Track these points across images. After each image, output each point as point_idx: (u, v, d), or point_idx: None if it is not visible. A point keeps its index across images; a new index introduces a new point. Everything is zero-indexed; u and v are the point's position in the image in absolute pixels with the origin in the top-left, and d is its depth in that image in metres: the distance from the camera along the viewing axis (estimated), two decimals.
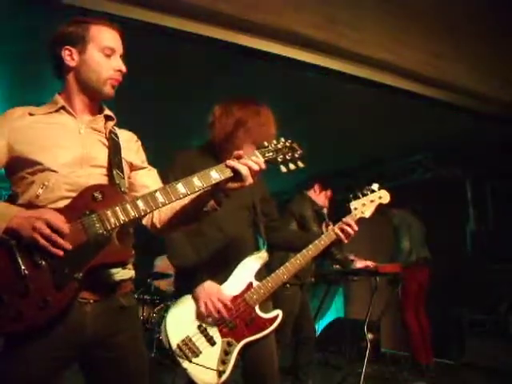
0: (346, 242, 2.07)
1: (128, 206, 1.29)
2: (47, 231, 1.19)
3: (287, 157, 1.46)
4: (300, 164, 1.48)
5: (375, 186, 2.13)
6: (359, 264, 3.78)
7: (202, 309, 1.83)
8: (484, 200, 5.43)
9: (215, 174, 1.35)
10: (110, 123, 1.50)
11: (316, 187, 3.85)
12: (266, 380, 1.96)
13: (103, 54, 1.40)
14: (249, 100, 2.07)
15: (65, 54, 1.40)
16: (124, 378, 1.39)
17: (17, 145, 1.34)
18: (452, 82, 3.30)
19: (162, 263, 6.33)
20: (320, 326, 5.55)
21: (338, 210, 3.97)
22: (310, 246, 2.03)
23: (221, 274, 1.94)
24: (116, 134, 1.50)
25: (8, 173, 1.39)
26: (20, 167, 1.35)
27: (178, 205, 1.46)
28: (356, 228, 2.05)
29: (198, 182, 1.34)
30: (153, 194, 1.32)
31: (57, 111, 1.42)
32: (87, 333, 1.32)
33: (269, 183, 2.26)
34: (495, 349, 4.29)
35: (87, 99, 1.45)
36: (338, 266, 4.00)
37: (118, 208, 1.28)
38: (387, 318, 5.22)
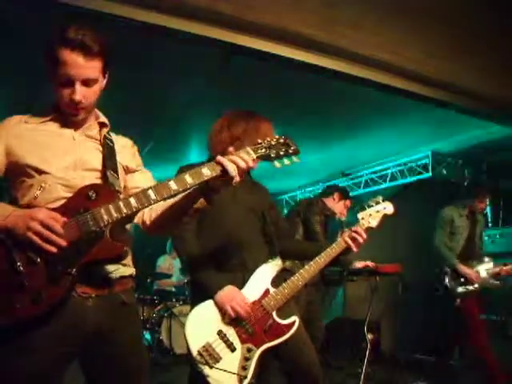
0: (355, 250, 2.14)
1: (121, 204, 1.31)
2: (41, 229, 1.22)
3: (281, 152, 1.46)
4: (294, 159, 1.49)
5: (380, 198, 2.27)
6: (359, 264, 3.78)
7: (229, 312, 1.84)
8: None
9: (207, 171, 1.37)
10: (105, 130, 1.52)
11: (336, 195, 3.89)
12: (310, 368, 1.99)
13: (60, 83, 1.35)
14: (248, 115, 2.09)
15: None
16: (124, 376, 1.41)
17: (14, 150, 1.38)
18: (452, 81, 3.31)
19: (164, 263, 6.35)
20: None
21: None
22: (322, 254, 2.10)
23: (232, 278, 1.95)
24: (111, 140, 1.52)
25: (7, 177, 1.43)
26: (18, 172, 1.39)
27: (167, 203, 1.47)
28: (365, 236, 2.14)
29: (189, 179, 1.36)
30: (145, 191, 1.34)
31: (51, 120, 1.45)
32: (89, 327, 1.34)
33: None
34: (495, 349, 4.29)
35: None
36: (337, 267, 4.00)
37: (110, 205, 1.31)
38: (387, 318, 5.23)
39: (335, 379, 4.18)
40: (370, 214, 2.22)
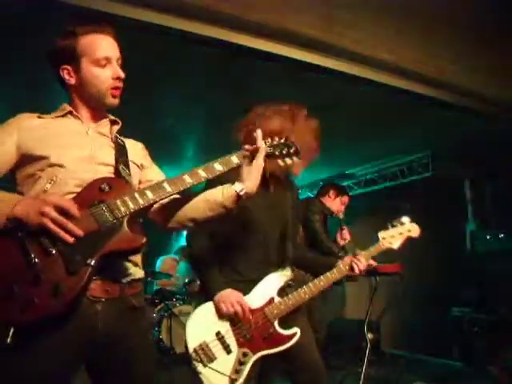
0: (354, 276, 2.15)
1: (137, 195, 1.31)
2: (57, 215, 1.17)
3: (283, 152, 1.56)
4: (295, 159, 1.58)
5: (405, 219, 2.17)
6: None
7: (223, 309, 1.85)
8: (483, 200, 5.43)
9: (218, 166, 1.43)
10: (116, 127, 1.54)
11: (331, 193, 3.84)
12: (313, 367, 1.99)
13: (98, 66, 1.40)
14: (285, 109, 2.02)
15: (63, 73, 1.43)
16: (132, 380, 1.38)
17: (25, 142, 1.36)
18: (452, 82, 3.30)
19: (165, 264, 6.34)
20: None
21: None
22: (334, 270, 2.08)
23: (242, 281, 1.95)
24: (122, 140, 1.54)
25: (15, 172, 1.40)
26: (28, 164, 1.36)
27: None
28: (362, 268, 2.11)
29: (202, 173, 1.41)
30: (161, 183, 1.36)
31: (64, 116, 1.46)
32: (98, 332, 1.31)
33: None
34: (495, 349, 4.28)
35: (92, 110, 1.48)
36: None
37: (127, 197, 1.30)
38: (387, 317, 5.22)
39: (335, 379, 4.18)
40: (393, 236, 2.14)
